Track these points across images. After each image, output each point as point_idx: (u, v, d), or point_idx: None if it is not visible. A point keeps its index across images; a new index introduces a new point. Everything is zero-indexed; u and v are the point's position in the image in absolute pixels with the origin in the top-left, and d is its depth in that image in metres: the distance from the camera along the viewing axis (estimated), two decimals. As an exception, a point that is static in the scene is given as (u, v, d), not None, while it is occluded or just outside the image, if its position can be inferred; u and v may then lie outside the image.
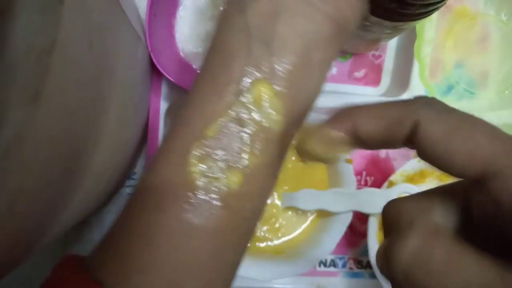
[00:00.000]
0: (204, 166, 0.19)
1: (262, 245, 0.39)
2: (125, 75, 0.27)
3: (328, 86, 0.40)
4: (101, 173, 0.26)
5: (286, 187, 0.39)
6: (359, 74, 0.41)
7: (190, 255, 0.19)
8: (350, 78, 0.41)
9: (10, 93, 0.13)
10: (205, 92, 0.20)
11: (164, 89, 0.37)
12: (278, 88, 0.20)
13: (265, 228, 0.39)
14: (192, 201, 0.19)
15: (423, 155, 0.16)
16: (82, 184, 0.23)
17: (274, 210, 0.39)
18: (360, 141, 0.18)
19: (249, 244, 0.22)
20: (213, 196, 0.19)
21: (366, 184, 0.42)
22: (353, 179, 0.37)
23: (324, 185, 0.40)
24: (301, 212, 0.39)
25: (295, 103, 0.20)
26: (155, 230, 0.19)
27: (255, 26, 0.20)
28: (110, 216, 0.40)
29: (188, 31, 0.38)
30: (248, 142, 0.19)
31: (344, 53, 0.40)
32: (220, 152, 0.19)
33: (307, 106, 0.21)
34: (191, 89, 0.21)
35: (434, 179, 0.40)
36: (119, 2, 0.25)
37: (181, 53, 0.38)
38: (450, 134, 0.15)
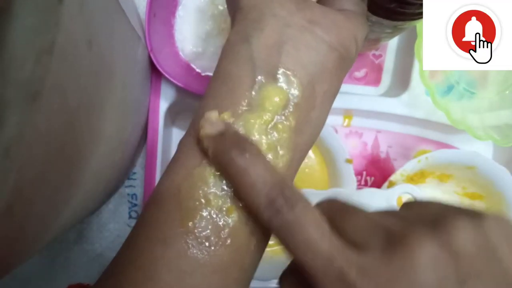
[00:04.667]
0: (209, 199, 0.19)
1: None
2: (125, 75, 0.27)
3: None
4: (100, 172, 0.26)
5: (286, 187, 0.39)
6: (360, 73, 0.41)
7: None
8: (350, 77, 0.41)
9: (10, 93, 0.13)
10: None
11: (163, 88, 0.37)
12: (285, 123, 0.20)
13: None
14: (197, 236, 0.18)
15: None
16: (82, 184, 0.23)
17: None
18: None
19: None
20: (218, 231, 0.19)
21: (366, 184, 0.41)
22: (353, 179, 0.37)
23: (324, 185, 0.40)
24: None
25: (300, 136, 0.20)
26: (158, 265, 0.18)
27: (259, 57, 0.20)
28: (110, 215, 0.40)
29: (188, 30, 0.38)
30: None
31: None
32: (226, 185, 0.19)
33: (312, 137, 0.21)
34: (195, 116, 0.21)
35: (434, 179, 0.40)
36: (119, 2, 0.25)
37: (180, 53, 0.38)
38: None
